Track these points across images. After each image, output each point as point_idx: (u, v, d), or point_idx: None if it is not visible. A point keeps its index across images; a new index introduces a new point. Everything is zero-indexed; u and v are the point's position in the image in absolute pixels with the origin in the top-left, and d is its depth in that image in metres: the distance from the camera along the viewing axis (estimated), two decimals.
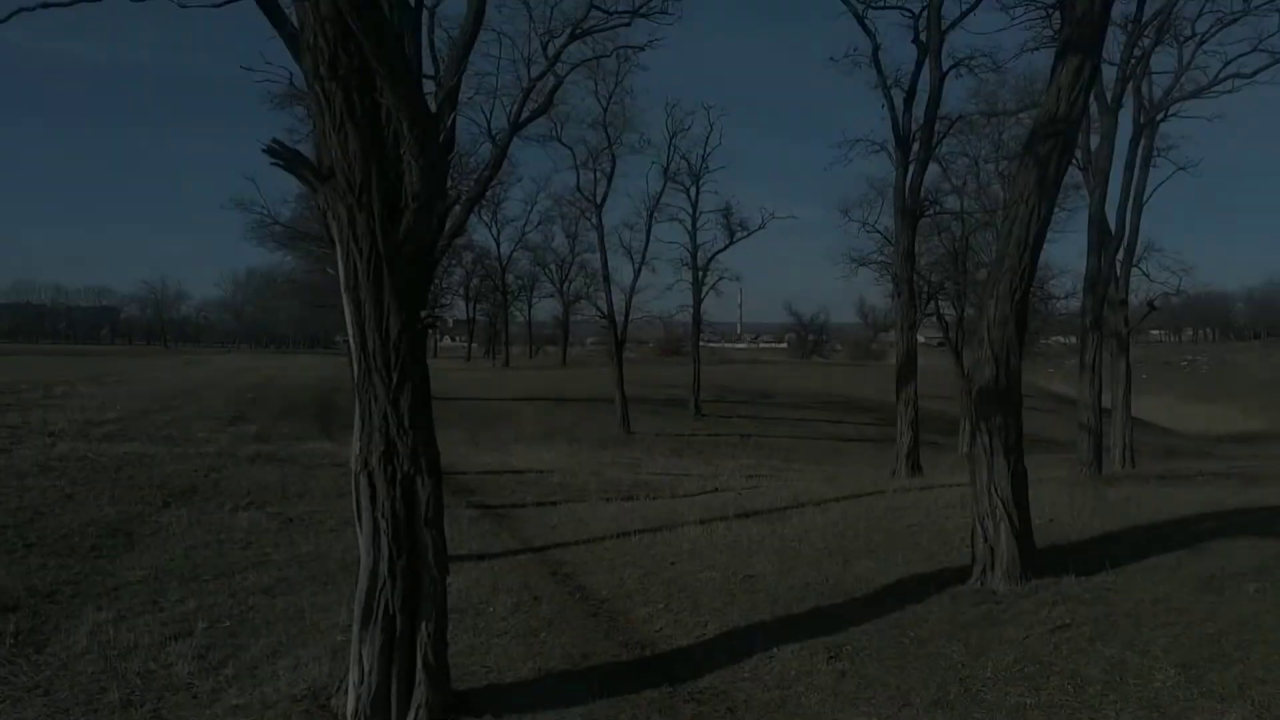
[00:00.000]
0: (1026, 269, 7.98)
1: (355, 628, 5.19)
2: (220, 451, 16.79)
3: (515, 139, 23.56)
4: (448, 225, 17.40)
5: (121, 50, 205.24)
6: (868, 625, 6.67)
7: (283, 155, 4.94)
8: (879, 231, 33.80)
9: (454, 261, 58.38)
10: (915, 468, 20.50)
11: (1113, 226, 20.48)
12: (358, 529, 5.21)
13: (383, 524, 5.07)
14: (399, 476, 5.08)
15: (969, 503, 8.69)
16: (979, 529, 7.67)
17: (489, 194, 45.29)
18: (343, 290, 5.08)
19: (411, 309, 5.03)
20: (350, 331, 5.09)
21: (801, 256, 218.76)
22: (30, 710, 5.61)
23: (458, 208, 19.33)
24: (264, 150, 4.93)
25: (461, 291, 67.61)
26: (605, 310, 34.87)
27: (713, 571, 8.74)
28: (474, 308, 71.26)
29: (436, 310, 63.29)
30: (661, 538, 10.54)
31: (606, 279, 35.36)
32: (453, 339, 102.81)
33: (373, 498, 5.09)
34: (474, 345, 78.34)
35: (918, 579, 7.87)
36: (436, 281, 58.65)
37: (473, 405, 33.18)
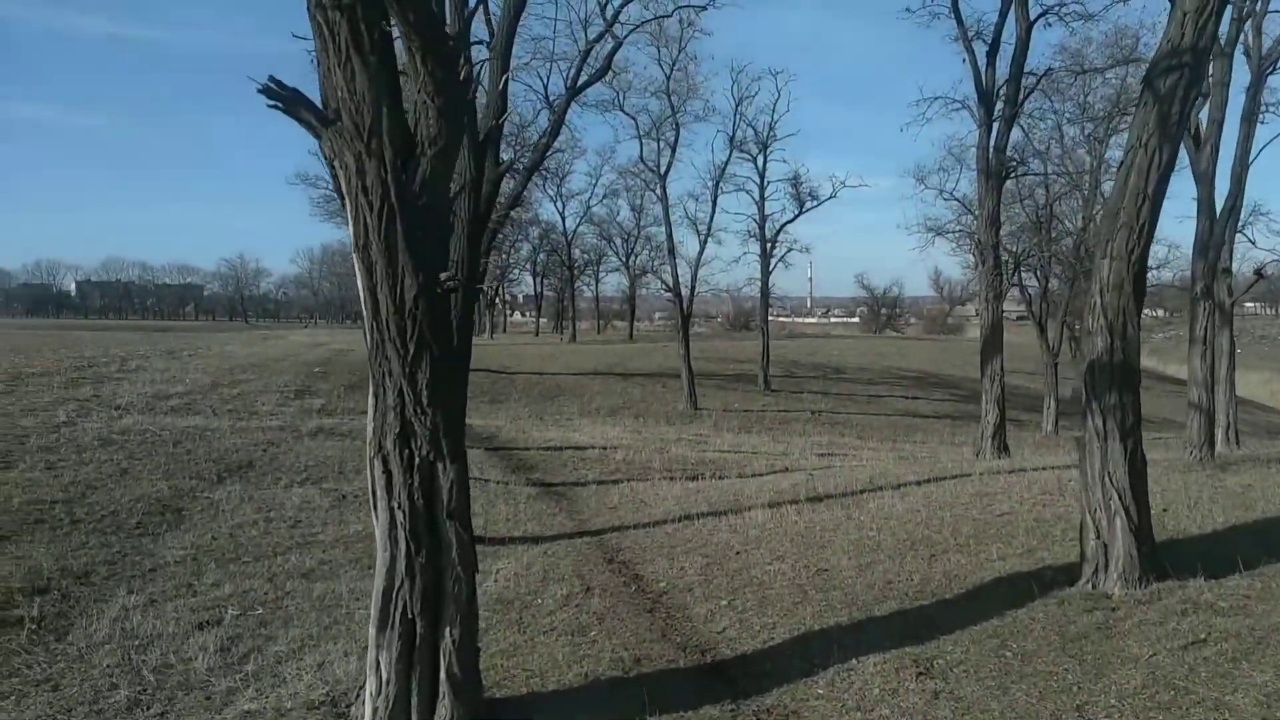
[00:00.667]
0: (1146, 225, 6.93)
1: (372, 631, 4.58)
2: (283, 426, 16.65)
3: (576, 107, 22.82)
4: (505, 194, 16.83)
5: (197, 35, 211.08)
6: (961, 634, 5.81)
7: (280, 96, 4.29)
8: (956, 199, 31.98)
9: (521, 236, 58.12)
10: (1002, 448, 19.16)
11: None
12: (374, 520, 4.59)
13: (399, 515, 4.43)
14: (417, 462, 4.42)
15: (1076, 492, 7.70)
16: (1089, 523, 6.69)
17: (553, 167, 44.73)
18: (353, 249, 4.42)
19: (429, 269, 4.33)
20: (362, 296, 4.43)
21: (874, 227, 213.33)
22: (33, 708, 5.22)
23: (515, 176, 18.75)
24: (260, 90, 4.28)
25: (529, 266, 67.65)
26: (671, 284, 33.85)
27: (782, 563, 7.96)
28: (541, 282, 71.35)
29: (502, 282, 63.36)
30: (727, 522, 9.81)
31: (671, 251, 34.27)
32: (522, 314, 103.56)
33: (388, 485, 4.45)
34: (542, 320, 78.49)
35: (1016, 578, 6.94)
36: (504, 256, 58.55)
37: (537, 379, 32.80)
